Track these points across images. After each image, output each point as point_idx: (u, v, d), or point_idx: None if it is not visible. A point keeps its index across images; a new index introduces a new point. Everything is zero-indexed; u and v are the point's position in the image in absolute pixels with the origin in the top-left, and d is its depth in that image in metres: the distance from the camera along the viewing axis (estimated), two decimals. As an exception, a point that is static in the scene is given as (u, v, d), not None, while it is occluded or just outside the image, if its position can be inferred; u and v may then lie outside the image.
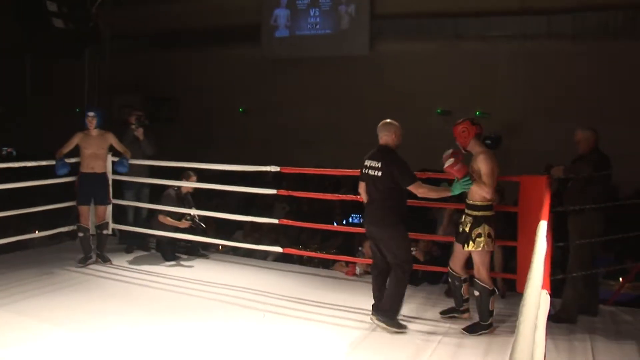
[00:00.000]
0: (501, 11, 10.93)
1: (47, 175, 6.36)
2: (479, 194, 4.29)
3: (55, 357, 3.76)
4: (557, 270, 4.63)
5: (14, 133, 14.79)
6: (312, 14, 12.93)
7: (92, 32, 10.14)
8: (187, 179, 6.42)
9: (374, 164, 4.37)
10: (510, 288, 5.24)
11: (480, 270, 4.33)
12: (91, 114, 6.06)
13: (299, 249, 6.78)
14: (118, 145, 6.25)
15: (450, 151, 4.40)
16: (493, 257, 4.78)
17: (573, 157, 4.81)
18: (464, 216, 4.46)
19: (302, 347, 4.07)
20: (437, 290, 5.44)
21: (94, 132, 6.07)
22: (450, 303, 4.81)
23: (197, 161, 6.40)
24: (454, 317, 4.66)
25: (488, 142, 5.31)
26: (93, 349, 3.88)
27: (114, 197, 6.57)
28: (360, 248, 6.12)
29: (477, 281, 4.34)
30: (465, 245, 4.34)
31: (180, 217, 6.35)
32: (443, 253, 5.71)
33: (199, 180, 6.57)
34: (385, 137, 4.42)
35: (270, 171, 5.83)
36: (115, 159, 6.34)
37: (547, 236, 3.05)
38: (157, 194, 6.78)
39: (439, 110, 11.37)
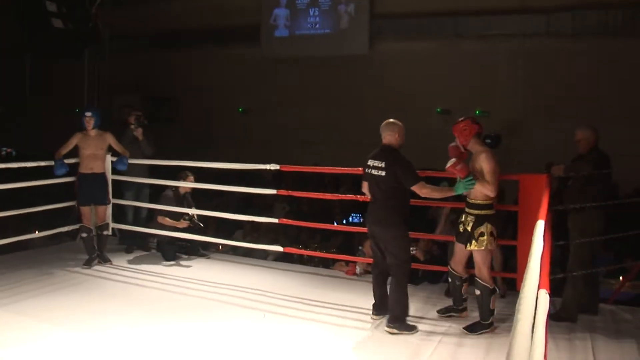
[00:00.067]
0: (501, 10, 10.92)
1: (46, 176, 6.36)
2: (481, 192, 4.29)
3: (55, 357, 3.76)
4: (557, 269, 4.63)
5: (14, 133, 14.79)
6: (311, 13, 12.92)
7: (91, 32, 10.11)
8: (185, 179, 6.41)
9: (377, 163, 4.35)
10: (511, 287, 5.24)
11: (482, 269, 4.33)
12: (88, 114, 6.04)
13: (299, 249, 6.77)
14: (117, 146, 6.25)
15: (453, 143, 4.40)
16: (492, 256, 4.78)
17: (573, 157, 4.81)
18: (464, 215, 4.46)
19: (302, 346, 4.07)
20: (437, 290, 5.44)
21: (93, 132, 6.06)
22: (450, 302, 4.81)
23: (196, 161, 6.40)
24: (452, 316, 4.66)
25: (488, 141, 5.30)
26: (93, 349, 3.88)
27: (114, 197, 6.56)
28: (360, 247, 6.11)
29: (478, 280, 4.34)
30: (468, 245, 4.34)
31: (179, 217, 6.35)
32: (443, 252, 5.72)
33: (198, 180, 6.57)
34: (389, 136, 4.41)
35: (270, 170, 5.83)
36: (114, 159, 6.33)
37: (545, 235, 3.05)
38: (157, 194, 6.78)
39: (438, 110, 11.37)
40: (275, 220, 5.96)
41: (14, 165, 6.33)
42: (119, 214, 6.85)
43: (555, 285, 3.50)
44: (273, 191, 6.22)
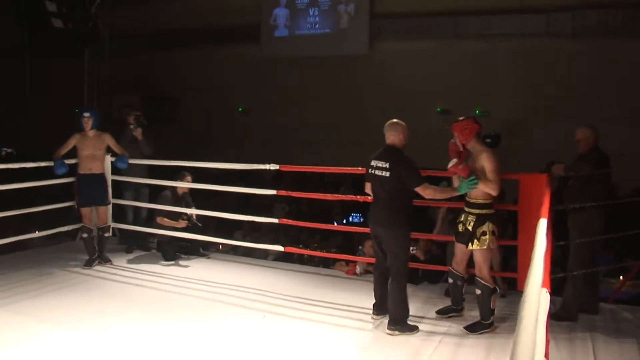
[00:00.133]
0: (501, 10, 10.92)
1: (46, 176, 6.36)
2: (482, 191, 4.29)
3: (54, 357, 3.76)
4: (557, 268, 4.63)
5: (14, 133, 14.78)
6: (311, 13, 12.92)
7: (91, 32, 10.11)
8: (182, 179, 6.41)
9: (381, 164, 4.33)
10: (511, 287, 5.24)
11: (482, 268, 4.33)
12: (86, 114, 6.03)
13: (300, 249, 6.77)
14: (115, 147, 6.24)
15: (453, 140, 4.40)
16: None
17: (575, 157, 4.80)
18: (463, 215, 4.45)
19: (302, 346, 4.07)
20: (437, 290, 5.43)
21: (91, 133, 6.05)
22: (449, 303, 4.80)
23: (196, 161, 6.39)
24: (452, 316, 4.65)
25: (488, 140, 5.32)
26: (92, 349, 3.88)
27: (113, 197, 6.56)
28: (360, 247, 6.11)
29: (479, 280, 4.33)
30: (470, 244, 4.33)
31: (177, 217, 6.35)
32: (443, 252, 5.72)
33: (197, 180, 6.57)
34: (393, 136, 4.39)
35: (270, 170, 5.83)
36: (114, 159, 6.33)
37: (547, 234, 3.05)
38: (156, 194, 6.78)
39: (438, 109, 11.36)
40: (275, 221, 5.96)
41: (14, 166, 6.32)
42: (119, 214, 6.85)
43: (556, 284, 3.49)
44: (273, 192, 6.22)
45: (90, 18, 9.88)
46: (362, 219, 8.34)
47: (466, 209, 4.44)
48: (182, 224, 6.30)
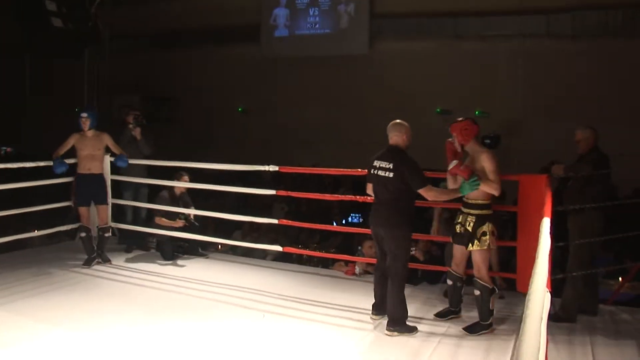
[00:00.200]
0: (501, 10, 10.92)
1: (45, 176, 6.35)
2: (482, 192, 4.28)
3: (53, 357, 3.75)
4: (556, 269, 4.62)
5: (14, 133, 14.78)
6: (311, 13, 12.93)
7: (91, 32, 10.12)
8: (179, 179, 6.41)
9: (384, 164, 4.30)
10: (510, 288, 5.23)
11: (481, 269, 4.32)
12: (84, 114, 6.02)
13: (299, 249, 6.76)
14: (114, 147, 6.23)
15: (450, 139, 4.39)
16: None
17: (575, 158, 4.79)
18: (461, 216, 4.44)
19: (302, 346, 4.06)
20: (436, 291, 5.42)
21: (89, 133, 6.04)
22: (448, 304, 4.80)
23: (196, 161, 6.39)
24: (451, 317, 4.64)
25: (487, 141, 5.30)
26: (91, 349, 3.87)
27: (113, 197, 6.56)
28: (359, 247, 6.10)
29: (478, 280, 4.32)
30: (470, 245, 4.32)
31: (174, 217, 6.35)
32: (442, 252, 5.71)
33: (197, 180, 6.56)
34: (396, 137, 4.37)
35: (269, 171, 5.82)
36: (113, 158, 6.33)
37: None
38: (155, 193, 6.78)
39: (438, 110, 11.36)
40: (275, 221, 5.96)
41: (14, 166, 6.32)
42: (118, 213, 6.85)
43: (555, 285, 3.48)
44: (272, 192, 6.21)
45: (90, 18, 9.89)
46: (361, 220, 8.34)
47: (465, 210, 4.42)
48: (180, 223, 6.30)
